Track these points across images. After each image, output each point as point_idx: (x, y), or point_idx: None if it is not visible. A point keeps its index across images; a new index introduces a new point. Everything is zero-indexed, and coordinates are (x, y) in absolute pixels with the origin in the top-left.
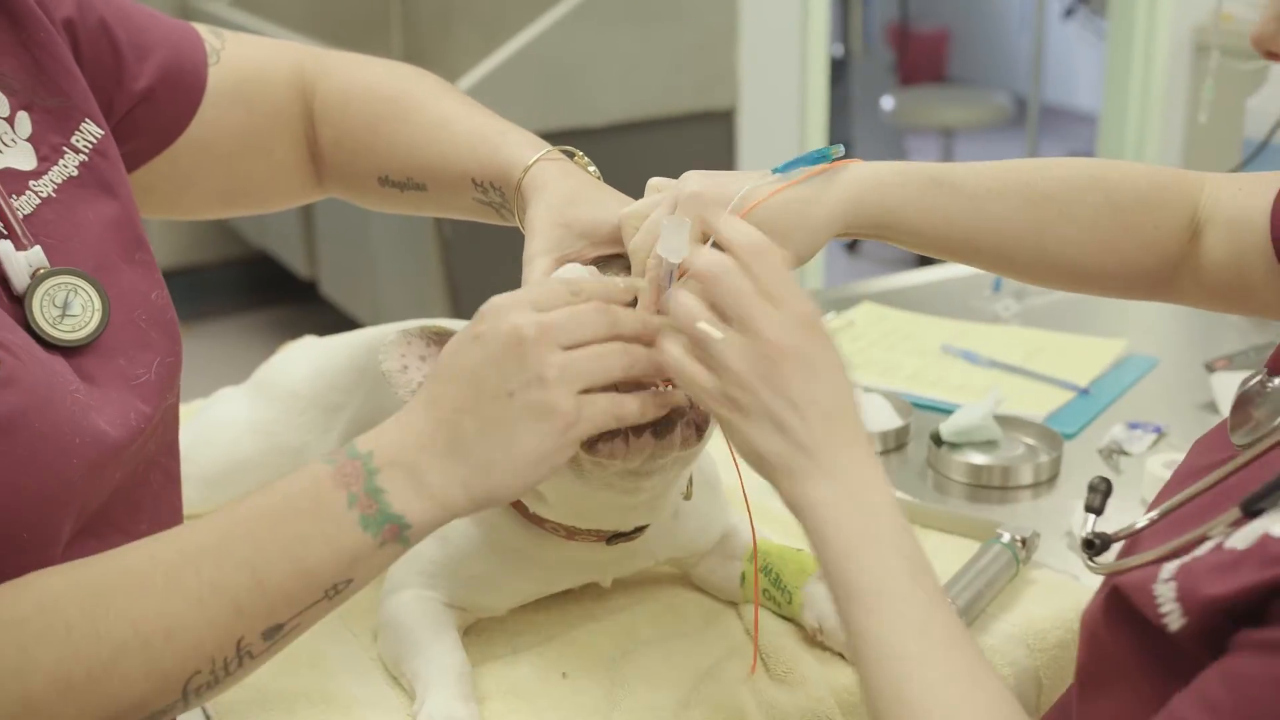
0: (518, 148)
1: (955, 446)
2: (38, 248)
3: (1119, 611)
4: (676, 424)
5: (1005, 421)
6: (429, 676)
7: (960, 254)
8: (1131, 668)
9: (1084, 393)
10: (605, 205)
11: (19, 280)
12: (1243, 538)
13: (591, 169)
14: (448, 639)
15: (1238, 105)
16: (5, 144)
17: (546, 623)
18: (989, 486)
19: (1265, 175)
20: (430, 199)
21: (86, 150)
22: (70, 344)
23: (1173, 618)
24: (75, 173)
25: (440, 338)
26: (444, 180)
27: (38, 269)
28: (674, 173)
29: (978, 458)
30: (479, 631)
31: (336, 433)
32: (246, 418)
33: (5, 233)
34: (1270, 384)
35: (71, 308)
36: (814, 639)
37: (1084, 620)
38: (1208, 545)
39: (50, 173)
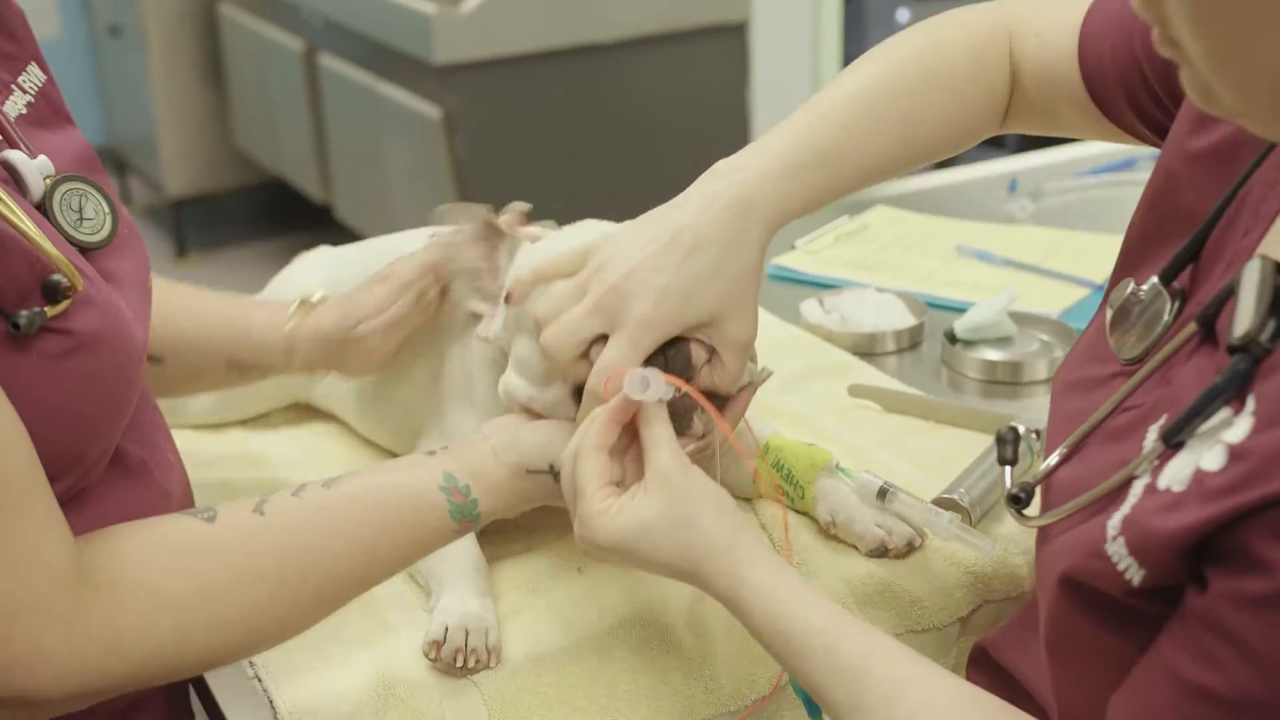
0: (265, 328)
1: (969, 343)
2: (43, 156)
3: (1075, 596)
4: (692, 416)
5: (1019, 318)
6: (445, 573)
7: (847, 196)
8: (1097, 640)
9: (1098, 289)
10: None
11: (35, 187)
12: (1175, 476)
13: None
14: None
15: None
16: None
17: (562, 520)
18: (1003, 382)
19: (1058, 13)
20: (161, 374)
21: (33, 92)
22: (91, 246)
23: (1132, 571)
24: (25, 111)
25: (489, 226)
26: (190, 357)
27: (47, 176)
28: (687, 90)
29: (992, 354)
30: (494, 529)
31: None
32: None
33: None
34: (1141, 290)
35: (86, 211)
36: (827, 531)
37: (1043, 598)
38: (1139, 487)
39: (4, 107)
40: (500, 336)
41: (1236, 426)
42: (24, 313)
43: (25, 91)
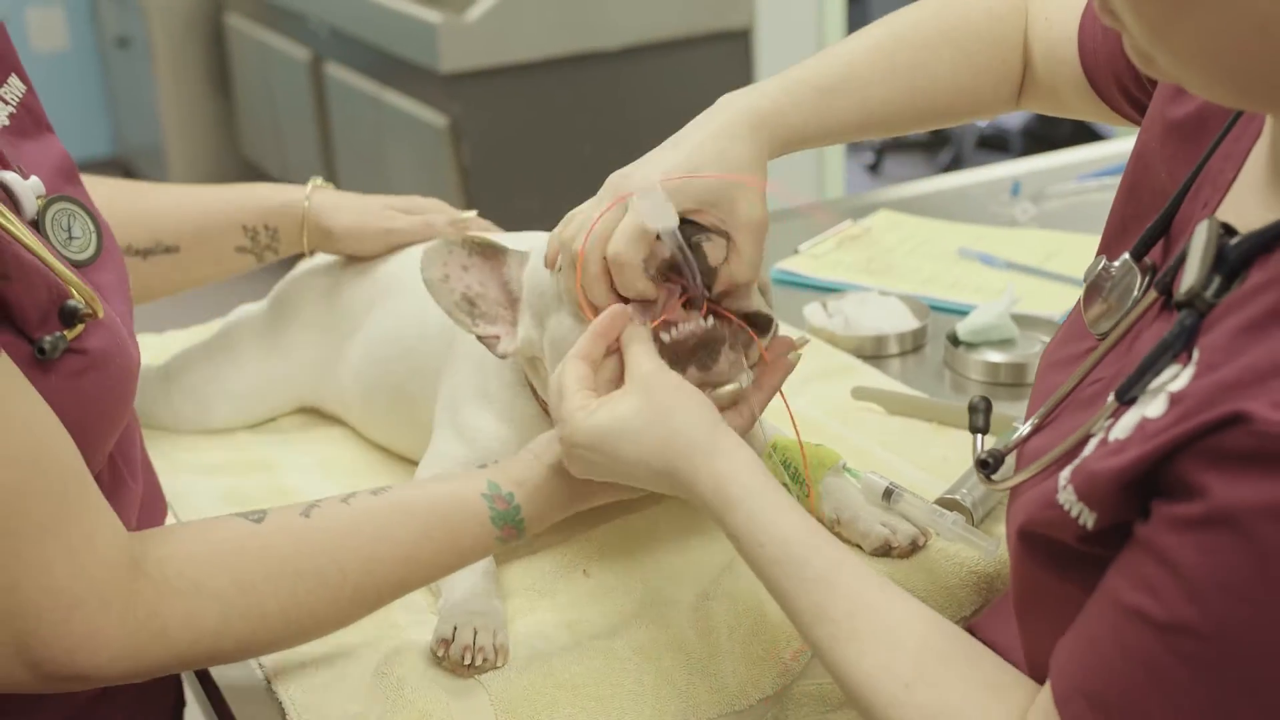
0: (281, 190)
1: (972, 346)
2: (35, 177)
3: (1035, 549)
4: (720, 351)
5: (1021, 320)
6: (455, 574)
7: (849, 139)
8: (1059, 591)
9: None
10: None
11: (29, 208)
12: (1123, 428)
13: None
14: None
15: None
16: None
17: (567, 521)
18: (1006, 384)
19: (1068, 1)
20: (178, 260)
21: (14, 103)
22: (80, 264)
23: (1084, 516)
24: (7, 122)
25: (482, 249)
26: (205, 236)
27: (39, 196)
28: (692, 97)
29: (994, 356)
30: None
31: (353, 346)
32: (267, 336)
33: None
34: (1113, 266)
35: (74, 230)
36: (832, 530)
37: (1011, 560)
38: (1094, 443)
39: None
40: (523, 346)
41: (1180, 378)
42: (48, 338)
43: (7, 103)
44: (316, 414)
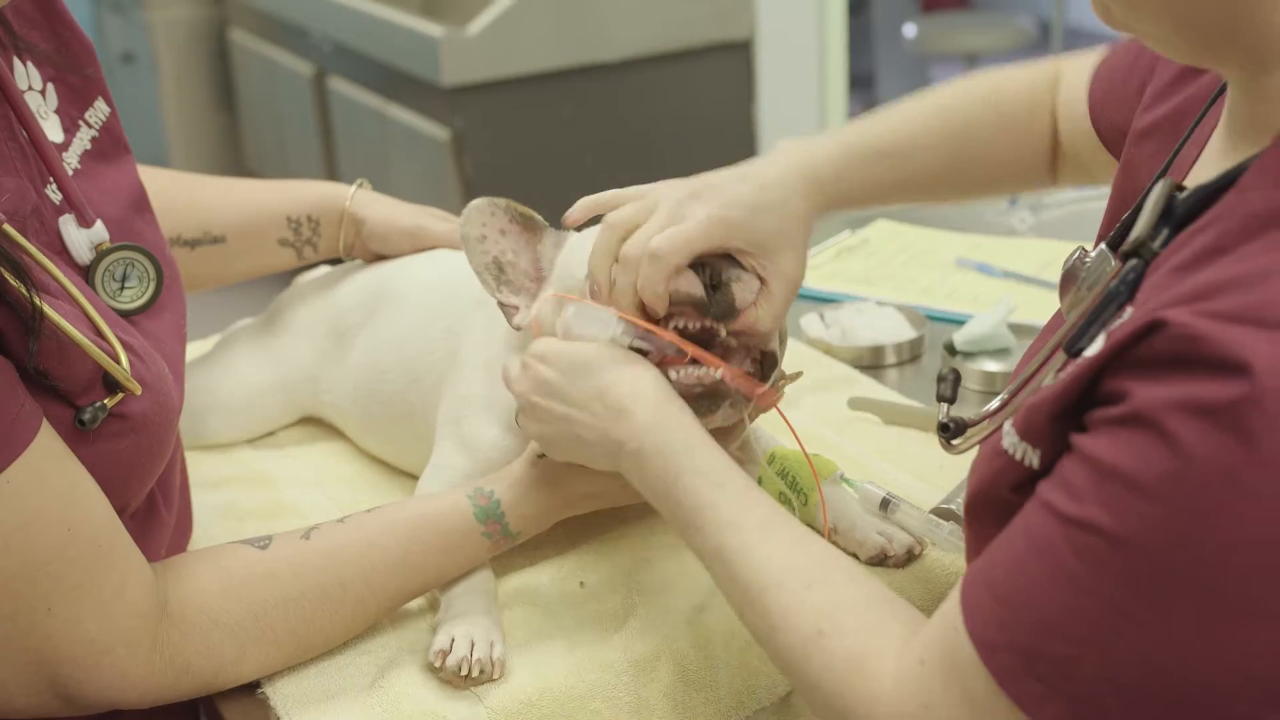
0: (328, 185)
1: (969, 355)
2: (99, 223)
3: (985, 518)
4: (721, 405)
5: (1018, 329)
6: (453, 586)
7: (889, 203)
8: None
9: None
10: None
11: (80, 255)
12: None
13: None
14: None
15: None
16: (42, 115)
17: (565, 533)
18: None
19: (1082, 63)
20: (224, 252)
21: (97, 126)
22: (128, 313)
23: (1029, 456)
24: (89, 146)
25: (523, 219)
26: (251, 227)
27: (100, 244)
28: (693, 109)
29: (991, 365)
30: None
31: (349, 360)
32: (263, 347)
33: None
34: (1088, 257)
35: (129, 280)
36: (829, 539)
37: (965, 537)
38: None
39: (73, 145)
40: (536, 321)
41: (1118, 321)
42: (88, 409)
43: (91, 126)
44: (315, 429)
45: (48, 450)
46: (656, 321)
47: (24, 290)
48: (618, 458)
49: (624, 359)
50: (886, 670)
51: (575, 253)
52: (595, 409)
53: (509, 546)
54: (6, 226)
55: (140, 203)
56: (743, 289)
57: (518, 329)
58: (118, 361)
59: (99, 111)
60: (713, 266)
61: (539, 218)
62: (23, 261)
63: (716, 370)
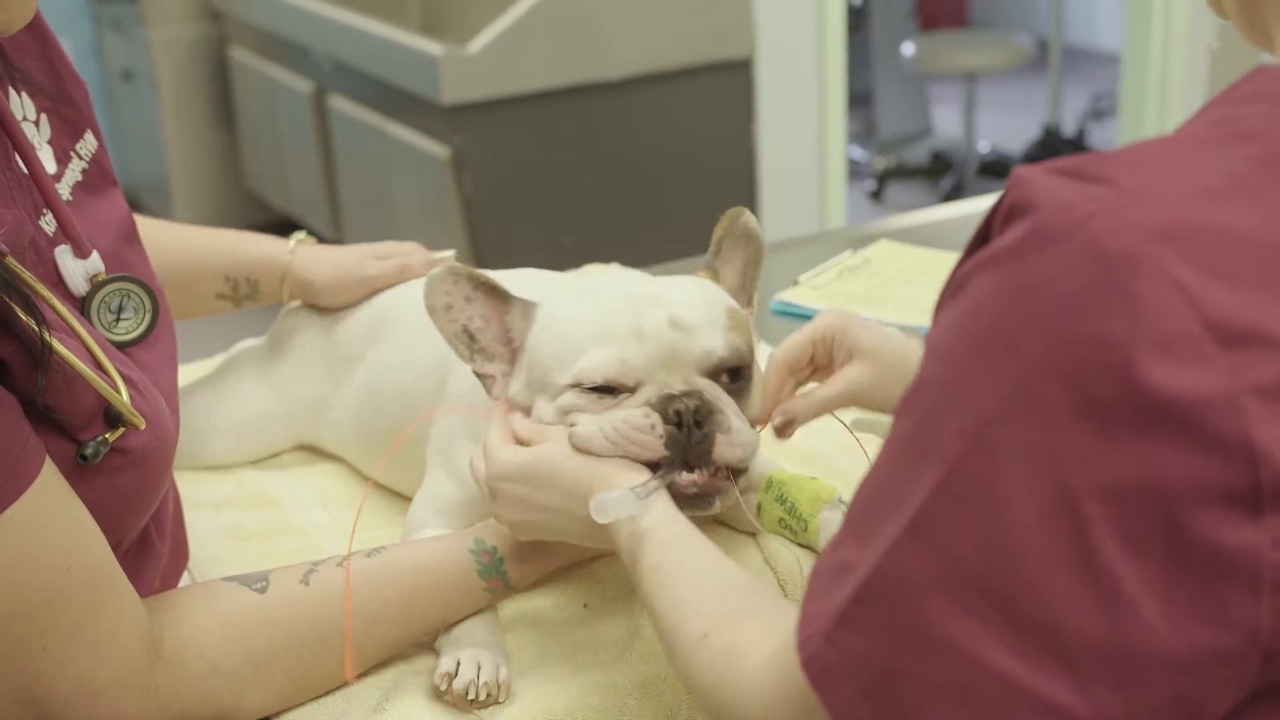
0: (267, 244)
1: None
2: (95, 255)
3: None
4: (716, 500)
5: None
6: None
7: None
8: None
9: None
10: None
11: (76, 286)
12: None
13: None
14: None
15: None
16: (36, 146)
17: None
18: None
19: None
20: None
21: (87, 158)
22: (124, 344)
23: None
24: (80, 177)
25: (487, 288)
26: (187, 280)
27: (95, 275)
28: (693, 127)
29: None
30: None
31: (350, 383)
32: (265, 372)
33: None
34: None
35: (125, 311)
36: None
37: None
38: None
39: (65, 176)
40: (519, 395)
41: None
42: (90, 444)
43: (81, 159)
44: (317, 450)
45: (50, 487)
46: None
47: (34, 325)
48: (595, 528)
49: (572, 452)
50: (760, 656)
51: (548, 330)
52: (568, 505)
53: (509, 597)
54: (10, 260)
55: (130, 234)
56: (724, 445)
57: (496, 399)
58: (119, 395)
59: (89, 144)
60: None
61: (503, 287)
62: (30, 295)
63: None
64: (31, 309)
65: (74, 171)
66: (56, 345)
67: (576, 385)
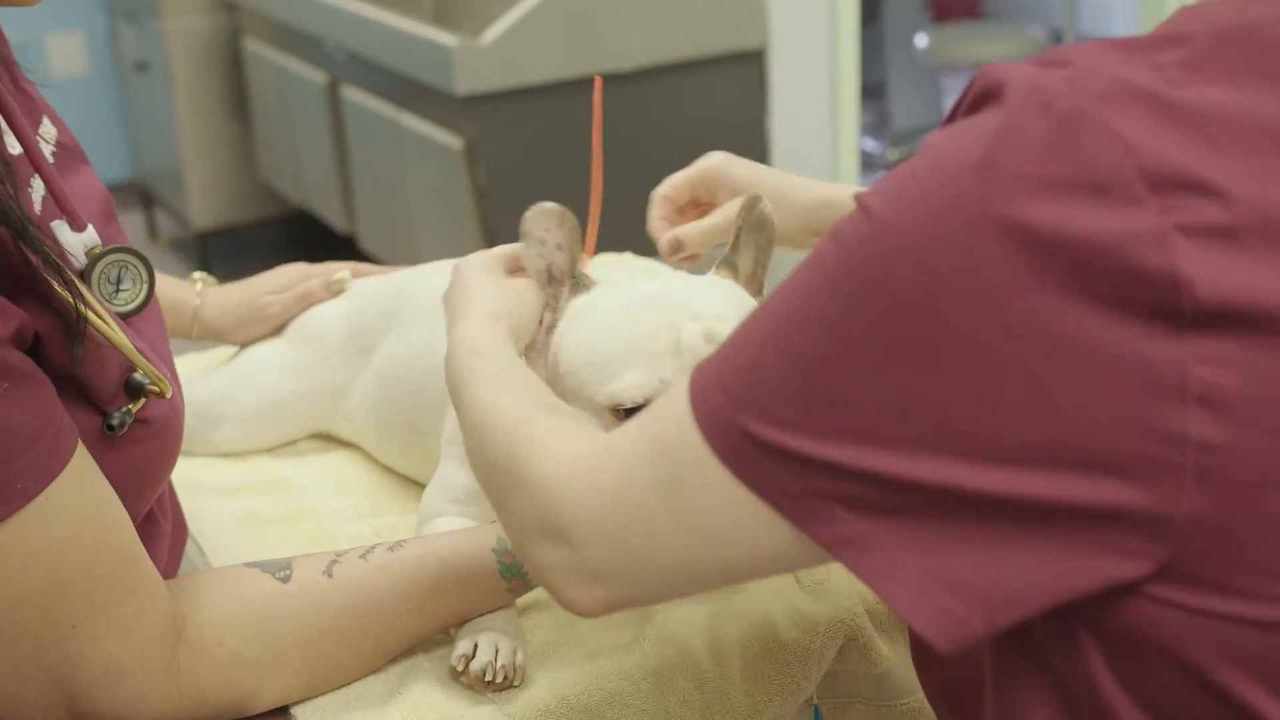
0: (171, 288)
1: None
2: (91, 228)
3: None
4: None
5: None
6: None
7: None
8: None
9: None
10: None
11: (75, 259)
12: None
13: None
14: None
15: None
16: (4, 129)
17: None
18: None
19: None
20: None
21: (52, 141)
22: (125, 315)
23: None
24: (51, 160)
25: (576, 250)
26: None
27: (92, 248)
28: (707, 118)
29: None
30: None
31: (367, 373)
32: (280, 360)
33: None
34: None
35: (124, 282)
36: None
37: None
38: None
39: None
40: (537, 371)
41: None
42: (116, 414)
43: (47, 142)
44: (331, 437)
45: (83, 466)
46: None
47: (69, 296)
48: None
49: (511, 285)
50: (583, 438)
51: (583, 335)
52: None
53: (527, 592)
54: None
55: (108, 211)
56: None
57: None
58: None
59: (48, 129)
60: None
61: (582, 268)
62: (62, 266)
63: None
64: (67, 280)
65: (44, 154)
66: (90, 316)
67: (616, 406)
